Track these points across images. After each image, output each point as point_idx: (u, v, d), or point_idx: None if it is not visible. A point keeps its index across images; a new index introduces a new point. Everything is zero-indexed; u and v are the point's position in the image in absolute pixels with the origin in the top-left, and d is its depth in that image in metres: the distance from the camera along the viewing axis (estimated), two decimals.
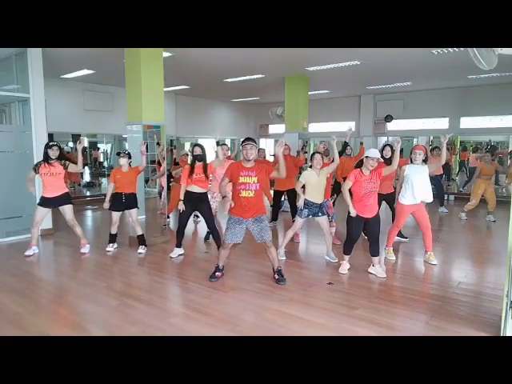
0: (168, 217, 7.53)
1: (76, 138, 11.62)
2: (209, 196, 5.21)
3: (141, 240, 5.37)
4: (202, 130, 13.20)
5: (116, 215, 5.27)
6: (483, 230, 7.09)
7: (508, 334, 2.65)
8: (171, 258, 5.03)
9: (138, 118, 5.74)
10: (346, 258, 4.45)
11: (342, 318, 3.27)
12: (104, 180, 12.31)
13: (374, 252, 4.34)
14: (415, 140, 12.28)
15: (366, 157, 4.14)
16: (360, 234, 4.47)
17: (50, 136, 7.40)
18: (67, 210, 5.17)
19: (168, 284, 4.32)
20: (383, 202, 5.46)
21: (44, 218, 5.30)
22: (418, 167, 4.60)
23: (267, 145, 15.66)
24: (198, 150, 4.90)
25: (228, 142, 14.89)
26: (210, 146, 6.09)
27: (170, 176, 7.09)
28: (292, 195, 5.97)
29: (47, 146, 4.97)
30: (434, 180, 5.60)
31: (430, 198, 4.61)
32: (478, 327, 3.09)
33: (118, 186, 5.20)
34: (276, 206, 6.78)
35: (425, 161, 4.70)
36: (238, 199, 3.91)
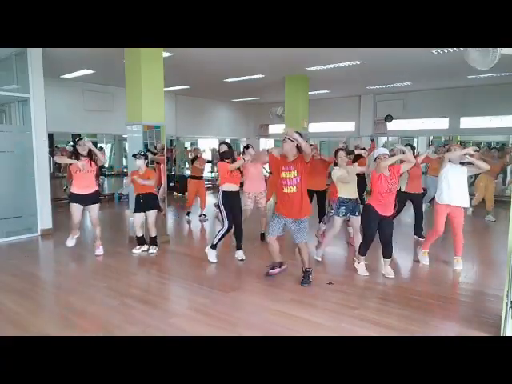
0: (187, 214, 7.63)
1: (76, 137, 11.64)
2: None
3: (153, 241, 5.34)
4: (202, 130, 13.21)
5: (138, 217, 5.22)
6: (483, 230, 7.08)
7: (508, 334, 2.65)
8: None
9: (138, 118, 5.74)
10: (362, 259, 4.36)
11: (342, 318, 3.27)
12: (104, 180, 12.30)
13: (388, 254, 4.27)
14: (415, 140, 12.28)
15: (376, 158, 4.17)
16: (375, 233, 4.27)
17: (50, 136, 7.40)
18: (95, 208, 5.12)
19: (168, 284, 4.32)
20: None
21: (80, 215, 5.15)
22: (456, 166, 4.43)
23: (267, 145, 15.68)
24: (224, 148, 4.98)
25: (228, 141, 14.89)
26: (210, 145, 6.11)
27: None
28: (321, 197, 5.75)
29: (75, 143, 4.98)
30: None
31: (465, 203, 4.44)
32: (477, 327, 3.09)
33: (136, 188, 5.18)
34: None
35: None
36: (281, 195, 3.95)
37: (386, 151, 4.19)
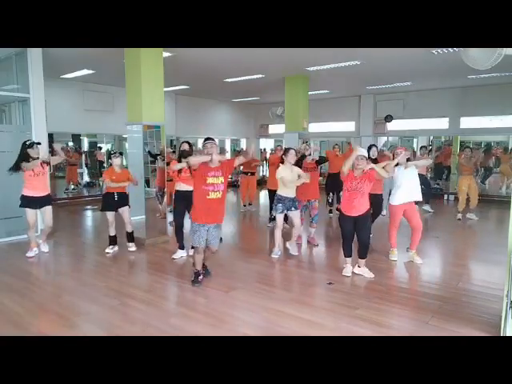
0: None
1: (76, 138, 11.66)
2: None
3: (131, 237, 5.40)
4: (202, 130, 13.20)
5: (111, 215, 5.22)
6: (483, 230, 7.08)
7: (508, 334, 2.65)
8: (174, 259, 5.02)
9: (138, 118, 5.74)
10: (348, 260, 4.38)
11: (342, 318, 3.27)
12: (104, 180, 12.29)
13: (362, 254, 4.31)
14: (415, 140, 12.28)
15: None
16: (352, 232, 4.29)
17: (50, 136, 7.40)
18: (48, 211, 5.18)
19: (168, 284, 4.32)
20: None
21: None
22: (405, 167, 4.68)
23: (267, 145, 15.69)
24: (185, 146, 4.88)
25: (228, 142, 14.91)
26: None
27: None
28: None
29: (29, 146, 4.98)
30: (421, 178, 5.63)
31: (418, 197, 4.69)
32: (477, 327, 3.09)
33: (111, 186, 5.16)
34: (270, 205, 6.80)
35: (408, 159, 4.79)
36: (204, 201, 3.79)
37: (364, 152, 4.20)
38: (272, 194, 6.50)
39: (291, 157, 4.83)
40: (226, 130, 14.11)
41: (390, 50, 6.58)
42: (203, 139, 4.00)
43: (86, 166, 12.15)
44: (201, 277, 4.08)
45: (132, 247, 5.39)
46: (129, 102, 5.90)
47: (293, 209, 4.90)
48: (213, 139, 3.93)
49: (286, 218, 6.87)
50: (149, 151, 5.84)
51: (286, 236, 5.52)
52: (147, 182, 6.02)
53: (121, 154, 5.27)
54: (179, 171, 4.68)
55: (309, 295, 3.81)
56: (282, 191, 4.87)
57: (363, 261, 4.34)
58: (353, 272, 4.35)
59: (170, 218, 7.33)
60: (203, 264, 4.13)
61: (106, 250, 5.32)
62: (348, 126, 12.81)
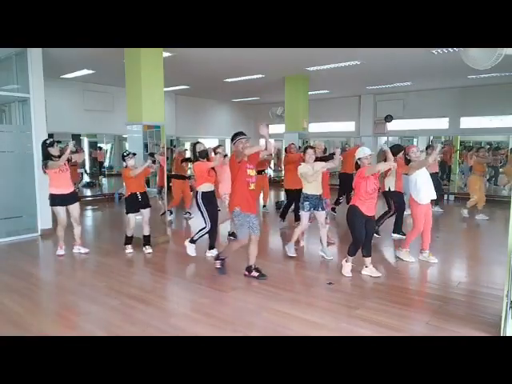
0: (171, 212, 7.65)
1: (76, 138, 11.65)
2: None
3: (148, 240, 5.33)
4: (202, 130, 13.20)
5: (133, 217, 5.17)
6: (483, 230, 7.08)
7: (508, 334, 2.65)
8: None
9: (138, 118, 5.74)
10: (350, 259, 4.35)
11: (342, 318, 3.27)
12: (104, 180, 12.30)
13: (368, 252, 4.31)
14: (415, 140, 12.28)
15: (359, 159, 4.21)
16: (364, 233, 4.27)
17: (50, 136, 7.40)
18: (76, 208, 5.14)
19: (168, 284, 4.32)
20: None
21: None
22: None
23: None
24: (202, 147, 4.97)
25: (228, 142, 14.90)
26: (211, 145, 6.10)
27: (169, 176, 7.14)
28: (298, 195, 5.78)
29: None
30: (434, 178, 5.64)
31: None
32: (477, 327, 3.09)
33: (132, 187, 5.13)
34: (287, 205, 6.80)
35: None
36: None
37: (370, 151, 4.22)
38: (291, 193, 6.47)
39: (308, 156, 4.86)
40: (225, 130, 14.08)
41: (390, 50, 6.59)
42: (233, 135, 4.15)
43: (83, 167, 12.14)
44: (221, 262, 4.33)
45: (148, 249, 5.27)
46: (129, 101, 5.90)
47: (320, 209, 4.86)
48: (244, 134, 4.16)
49: (283, 215, 6.90)
50: (150, 153, 5.85)
51: (286, 236, 5.51)
52: (147, 183, 6.02)
53: (134, 154, 5.26)
54: (208, 171, 4.83)
55: (309, 295, 3.81)
56: (307, 189, 4.84)
57: (369, 259, 4.34)
58: (350, 273, 4.32)
59: (168, 217, 7.38)
60: (256, 268, 4.25)
61: (127, 251, 5.27)
62: (348, 126, 12.81)
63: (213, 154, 5.31)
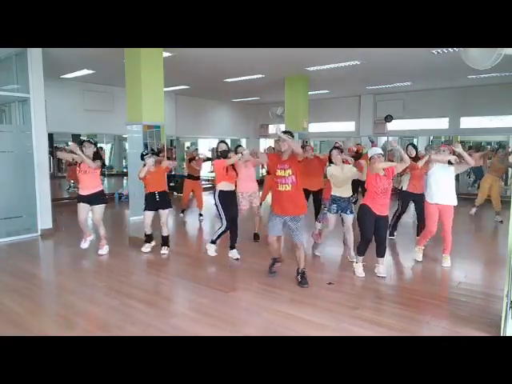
0: (182, 212, 7.74)
1: (76, 138, 11.65)
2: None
3: (166, 241, 5.29)
4: (202, 130, 13.20)
5: (149, 215, 5.15)
6: (485, 230, 7.08)
7: (508, 334, 2.65)
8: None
9: (138, 118, 5.74)
10: (360, 259, 4.34)
11: (341, 318, 3.27)
12: (104, 180, 12.30)
13: (380, 253, 4.29)
14: (415, 140, 12.27)
15: (371, 158, 4.17)
16: (373, 233, 4.24)
17: (50, 136, 7.41)
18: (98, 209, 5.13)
19: (168, 284, 4.32)
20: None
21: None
22: (444, 166, 4.53)
23: (267, 144, 15.67)
24: (223, 147, 5.05)
25: (228, 142, 14.89)
26: (210, 145, 6.12)
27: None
28: (317, 197, 5.76)
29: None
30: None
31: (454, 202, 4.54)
32: (477, 327, 3.09)
33: (149, 186, 5.12)
34: None
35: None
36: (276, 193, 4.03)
37: (381, 151, 4.20)
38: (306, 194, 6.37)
39: (334, 157, 4.77)
40: (225, 130, 14.10)
41: (390, 50, 6.59)
42: (280, 132, 3.85)
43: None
44: (277, 265, 4.35)
45: (164, 250, 5.22)
46: (129, 101, 5.90)
47: (348, 212, 4.73)
48: (291, 132, 4.02)
49: None
50: (152, 149, 5.84)
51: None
52: None
53: (153, 152, 5.25)
54: (227, 169, 4.85)
55: (309, 295, 3.80)
56: (336, 191, 4.75)
57: (382, 259, 4.31)
58: (363, 273, 4.29)
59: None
60: (303, 272, 4.08)
61: (143, 249, 5.26)
62: (348, 126, 12.81)
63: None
